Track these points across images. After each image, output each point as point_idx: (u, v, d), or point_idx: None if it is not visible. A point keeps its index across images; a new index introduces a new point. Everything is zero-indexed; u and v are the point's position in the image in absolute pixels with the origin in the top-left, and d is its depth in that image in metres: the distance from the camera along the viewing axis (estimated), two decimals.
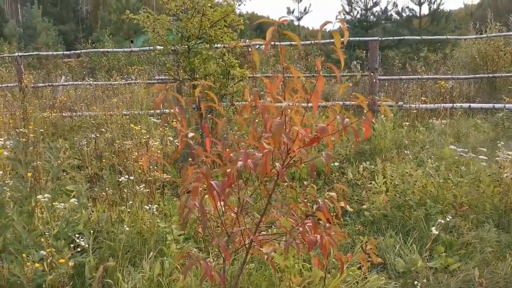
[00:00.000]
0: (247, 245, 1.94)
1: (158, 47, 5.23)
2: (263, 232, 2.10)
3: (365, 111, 1.83)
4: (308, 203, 2.29)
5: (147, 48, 8.27)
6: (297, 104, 1.78)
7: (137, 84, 8.41)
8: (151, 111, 7.52)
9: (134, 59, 15.34)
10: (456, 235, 3.17)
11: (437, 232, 2.78)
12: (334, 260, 2.67)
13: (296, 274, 2.32)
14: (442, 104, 6.82)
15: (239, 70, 5.27)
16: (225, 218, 2.05)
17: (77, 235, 2.81)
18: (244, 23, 5.47)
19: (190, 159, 3.92)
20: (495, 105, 7.02)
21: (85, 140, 4.50)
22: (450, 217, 3.09)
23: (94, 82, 8.59)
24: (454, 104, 7.03)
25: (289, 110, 1.80)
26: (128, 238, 2.84)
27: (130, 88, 8.22)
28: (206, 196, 2.07)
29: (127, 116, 6.34)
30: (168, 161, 4.23)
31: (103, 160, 3.93)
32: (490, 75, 7.78)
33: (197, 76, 5.07)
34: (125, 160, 3.53)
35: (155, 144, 3.56)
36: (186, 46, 5.10)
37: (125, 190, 3.30)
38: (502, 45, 9.12)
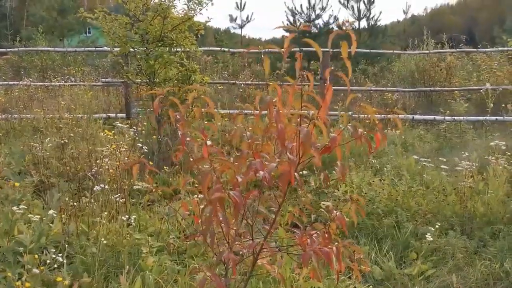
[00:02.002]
0: (255, 256, 1.86)
1: (116, 48, 4.98)
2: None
3: (376, 122, 1.84)
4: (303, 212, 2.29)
5: (93, 48, 7.88)
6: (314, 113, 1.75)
7: (78, 86, 7.97)
8: (96, 115, 7.14)
9: (70, 60, 14.54)
10: (426, 241, 3.29)
11: (431, 239, 2.87)
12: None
13: (291, 287, 2.28)
14: (390, 115, 7.12)
15: (200, 75, 5.17)
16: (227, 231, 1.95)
17: (45, 248, 2.57)
18: (204, 28, 5.39)
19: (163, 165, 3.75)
20: (436, 117, 7.47)
21: (39, 144, 4.14)
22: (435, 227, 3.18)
23: (33, 83, 8.00)
24: (399, 116, 7.38)
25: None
26: (102, 252, 2.63)
27: (72, 90, 7.76)
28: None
29: (74, 119, 5.95)
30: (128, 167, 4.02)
31: (68, 168, 3.64)
32: (431, 88, 8.28)
33: (157, 80, 4.89)
34: (95, 167, 3.28)
35: (123, 150, 3.35)
36: (145, 49, 4.91)
37: (92, 200, 3.07)
38: (437, 61, 9.76)
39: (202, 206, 1.74)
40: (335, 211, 1.83)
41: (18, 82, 8.28)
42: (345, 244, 1.89)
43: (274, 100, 1.90)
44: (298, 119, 1.81)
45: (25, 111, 7.00)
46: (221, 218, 1.61)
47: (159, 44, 4.91)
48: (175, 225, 3.37)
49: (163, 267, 2.72)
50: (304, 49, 10.31)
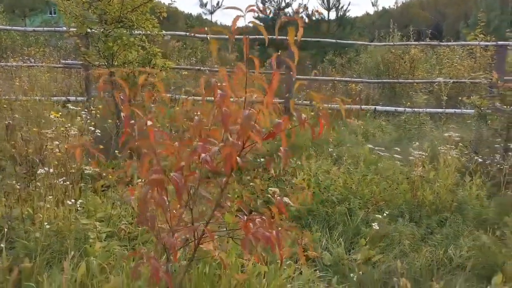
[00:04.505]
0: (196, 240, 1.85)
1: (72, 28, 4.81)
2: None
3: (321, 109, 1.86)
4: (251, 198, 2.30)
5: (53, 29, 7.59)
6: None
7: (37, 67, 7.68)
8: (55, 98, 6.91)
9: (32, 40, 14.02)
10: (374, 228, 3.36)
11: (378, 228, 2.92)
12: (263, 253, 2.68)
13: (238, 271, 2.28)
14: (352, 106, 7.23)
15: (161, 59, 5.07)
16: (170, 213, 1.93)
17: None
18: (166, 10, 5.28)
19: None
20: (397, 108, 7.63)
21: None
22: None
23: None
24: (362, 106, 7.51)
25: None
26: (45, 237, 2.56)
27: (30, 71, 7.48)
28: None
29: (29, 102, 5.74)
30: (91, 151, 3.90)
31: (17, 150, 3.50)
32: (394, 80, 8.43)
33: (116, 63, 4.77)
34: (41, 150, 3.18)
35: (73, 133, 3.25)
36: (103, 30, 4.76)
37: (38, 184, 2.97)
38: (402, 53, 9.91)
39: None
40: (277, 196, 1.83)
41: None
42: (287, 228, 1.90)
43: (222, 85, 1.89)
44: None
45: None
46: (158, 200, 1.58)
47: (119, 26, 4.77)
48: (128, 211, 3.31)
49: (111, 252, 2.68)
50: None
